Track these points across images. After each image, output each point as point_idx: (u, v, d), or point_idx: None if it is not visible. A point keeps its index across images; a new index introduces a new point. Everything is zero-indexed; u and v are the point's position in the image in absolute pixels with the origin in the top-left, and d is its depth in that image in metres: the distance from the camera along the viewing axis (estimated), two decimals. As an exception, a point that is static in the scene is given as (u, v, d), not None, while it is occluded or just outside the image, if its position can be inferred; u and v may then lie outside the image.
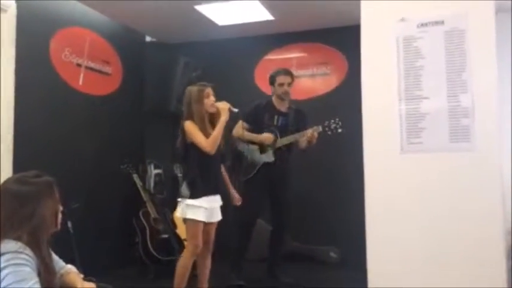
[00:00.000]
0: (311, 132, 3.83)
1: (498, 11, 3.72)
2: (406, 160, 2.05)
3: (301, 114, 4.11)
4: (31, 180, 1.87)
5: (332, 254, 4.69)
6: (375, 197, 2.08)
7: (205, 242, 3.24)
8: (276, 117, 3.94)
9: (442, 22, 2.01)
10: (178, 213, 3.19)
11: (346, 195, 4.47)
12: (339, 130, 3.91)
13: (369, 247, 2.07)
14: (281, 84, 3.99)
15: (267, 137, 3.91)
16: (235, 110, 3.52)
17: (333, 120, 3.93)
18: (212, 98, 3.25)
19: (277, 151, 3.94)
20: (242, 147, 3.92)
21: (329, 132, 3.92)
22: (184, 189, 3.13)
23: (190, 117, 3.16)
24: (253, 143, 3.93)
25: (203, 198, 3.12)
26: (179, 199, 3.16)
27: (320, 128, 3.90)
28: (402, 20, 2.07)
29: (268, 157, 3.93)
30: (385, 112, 2.08)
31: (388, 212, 2.06)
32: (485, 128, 1.94)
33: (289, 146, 4.00)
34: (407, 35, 2.05)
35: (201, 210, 3.11)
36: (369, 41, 2.13)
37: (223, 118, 3.25)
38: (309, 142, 3.90)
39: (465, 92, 1.97)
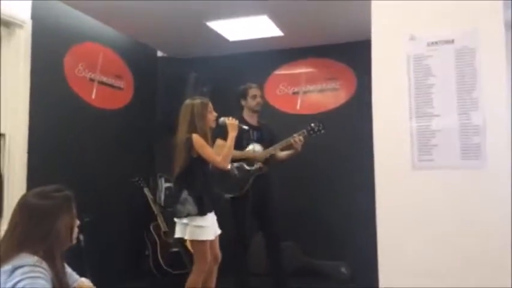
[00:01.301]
0: (298, 137, 3.87)
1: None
2: (417, 177, 2.05)
3: (270, 127, 4.19)
4: (50, 194, 1.90)
5: (343, 270, 4.67)
6: (386, 214, 2.09)
7: (214, 257, 3.26)
8: (251, 131, 3.94)
9: (452, 41, 2.03)
10: (187, 236, 3.11)
11: (357, 211, 4.47)
12: (322, 131, 3.96)
13: (380, 263, 2.08)
14: (254, 96, 4.04)
15: (256, 155, 3.93)
16: (246, 127, 3.57)
17: (313, 124, 3.98)
18: (214, 114, 3.27)
19: (266, 162, 3.99)
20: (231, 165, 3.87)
21: (313, 135, 3.97)
22: (191, 206, 3.08)
23: (193, 131, 3.12)
24: (240, 159, 3.91)
25: (208, 215, 3.12)
26: (184, 219, 3.08)
27: (305, 132, 3.94)
28: (412, 38, 2.10)
29: (262, 168, 3.95)
30: (396, 129, 2.09)
31: (399, 228, 2.07)
32: (496, 146, 1.95)
33: (271, 157, 4.05)
34: (417, 53, 2.07)
35: (209, 229, 3.12)
36: (379, 59, 2.16)
37: (233, 134, 3.28)
38: (295, 149, 3.92)
39: (476, 109, 1.98)
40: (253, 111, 4.07)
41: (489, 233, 1.92)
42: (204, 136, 3.14)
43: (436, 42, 2.06)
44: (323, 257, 4.77)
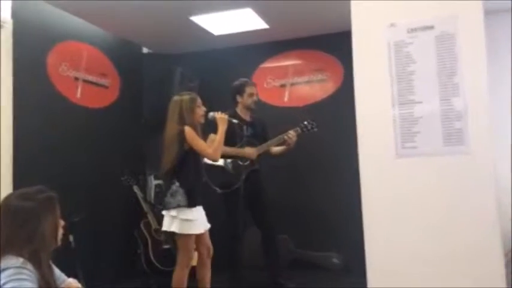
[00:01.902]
0: (292, 134, 3.91)
1: (498, 11, 3.76)
2: (401, 164, 2.06)
3: (263, 122, 4.21)
4: (33, 196, 1.88)
5: (335, 261, 4.68)
6: (371, 202, 2.09)
7: (207, 250, 3.25)
8: (244, 127, 3.96)
9: (432, 27, 2.03)
10: (174, 229, 3.09)
11: (348, 201, 4.48)
12: (315, 129, 4.02)
13: (367, 251, 2.08)
14: (251, 94, 4.06)
15: (250, 152, 3.94)
16: (235, 121, 3.56)
17: (306, 122, 4.03)
18: (203, 108, 3.27)
19: (259, 157, 4.01)
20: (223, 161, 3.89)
21: (306, 132, 4.01)
22: (182, 198, 3.07)
23: (183, 125, 3.12)
24: (232, 156, 3.92)
25: (197, 208, 3.13)
26: (172, 211, 3.08)
27: (299, 130, 3.98)
28: (392, 25, 2.10)
29: (254, 164, 3.98)
30: (379, 117, 2.09)
31: (385, 215, 2.08)
32: (478, 131, 1.95)
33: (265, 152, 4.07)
34: (397, 40, 2.07)
35: (197, 223, 3.11)
36: (360, 47, 2.15)
37: (223, 127, 3.28)
38: (288, 144, 3.95)
39: (457, 95, 1.98)
40: (248, 108, 4.07)
41: (475, 217, 1.93)
42: (194, 130, 3.14)
43: (416, 29, 2.06)
44: (315, 248, 4.78)
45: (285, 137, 3.92)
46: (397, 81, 2.07)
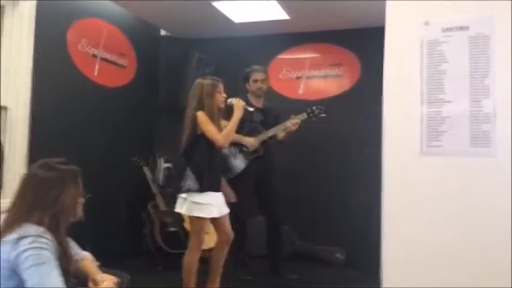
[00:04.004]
0: (293, 121, 3.90)
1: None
2: (425, 163, 2.06)
3: (275, 110, 4.21)
4: (57, 166, 1.90)
5: (338, 255, 4.70)
6: (393, 199, 2.09)
7: (225, 236, 3.26)
8: (255, 113, 3.94)
9: (467, 27, 2.02)
10: (184, 211, 3.12)
11: (354, 197, 4.50)
12: (322, 115, 4.01)
13: (384, 249, 2.09)
14: (255, 81, 4.08)
15: (251, 141, 3.94)
16: (251, 108, 3.56)
17: (315, 107, 4.02)
18: (224, 94, 3.27)
19: (263, 144, 4.02)
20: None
21: (313, 118, 4.00)
22: (191, 182, 3.08)
23: (201, 109, 3.13)
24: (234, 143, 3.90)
25: (209, 193, 3.12)
26: (183, 194, 3.10)
27: (305, 115, 3.97)
28: (426, 23, 2.09)
29: (257, 152, 3.99)
30: (406, 114, 2.09)
31: (406, 214, 2.08)
32: (506, 134, 1.95)
33: (271, 138, 4.07)
34: (431, 39, 2.06)
35: (209, 207, 3.12)
36: (392, 44, 2.14)
37: (238, 114, 3.28)
38: (289, 132, 3.94)
39: (487, 97, 1.98)
40: (256, 95, 4.07)
41: (497, 220, 1.93)
42: (210, 115, 3.13)
43: (451, 28, 2.05)
44: (319, 242, 4.79)
45: (288, 124, 3.91)
46: (427, 80, 2.07)
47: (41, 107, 3.65)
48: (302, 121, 3.95)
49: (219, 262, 3.28)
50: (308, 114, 3.98)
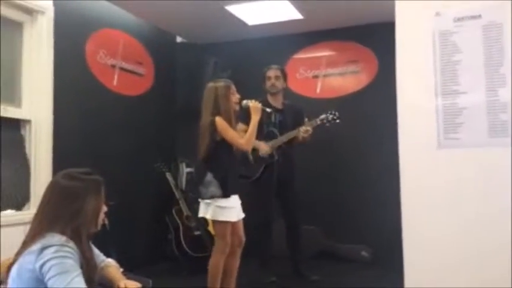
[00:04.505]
0: (304, 129, 3.86)
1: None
2: (443, 156, 2.03)
3: (296, 109, 4.15)
4: (81, 176, 1.93)
5: (364, 253, 4.66)
6: (410, 193, 2.07)
7: (238, 240, 3.27)
8: (273, 114, 3.88)
9: (479, 16, 1.98)
10: (208, 215, 3.14)
11: (379, 194, 4.45)
12: (337, 121, 3.95)
13: (405, 243, 2.06)
14: (269, 78, 4.06)
15: (264, 148, 3.92)
16: (269, 109, 3.55)
17: (329, 112, 3.96)
18: (237, 95, 3.27)
19: (278, 149, 3.97)
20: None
21: (327, 124, 3.95)
22: (215, 188, 3.09)
23: (217, 113, 3.12)
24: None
25: (232, 197, 3.14)
26: (208, 200, 3.10)
27: (318, 121, 3.93)
28: (437, 14, 2.06)
29: (272, 157, 3.95)
30: (421, 107, 2.07)
31: (424, 207, 2.05)
32: (525, 123, 1.91)
33: (290, 142, 4.01)
34: (443, 30, 2.03)
35: (232, 210, 3.13)
36: (404, 36, 2.12)
37: (256, 117, 3.27)
38: (304, 138, 3.90)
39: (503, 86, 1.94)
40: (270, 93, 4.07)
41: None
42: (228, 118, 3.13)
43: (463, 18, 2.01)
44: (345, 240, 4.76)
45: (299, 131, 3.88)
46: (441, 71, 2.04)
47: (63, 118, 3.73)
48: (314, 128, 3.91)
49: (234, 266, 3.29)
50: (321, 120, 3.95)
